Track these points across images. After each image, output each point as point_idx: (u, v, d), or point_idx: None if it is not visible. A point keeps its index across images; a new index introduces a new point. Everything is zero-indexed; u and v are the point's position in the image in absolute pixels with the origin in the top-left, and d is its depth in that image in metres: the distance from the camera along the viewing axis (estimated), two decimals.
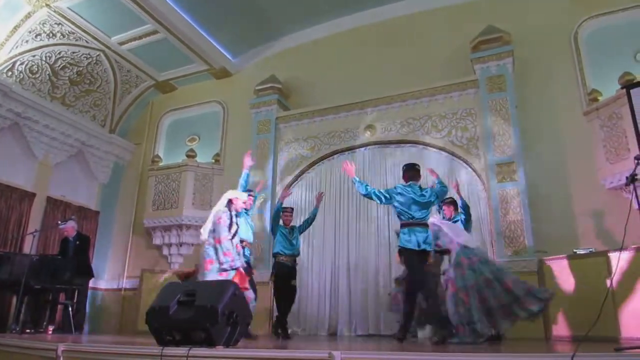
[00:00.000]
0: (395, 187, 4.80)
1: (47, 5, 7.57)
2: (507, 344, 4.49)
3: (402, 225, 4.63)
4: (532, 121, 6.85)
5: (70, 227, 7.22)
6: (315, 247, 7.45)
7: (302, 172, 7.96)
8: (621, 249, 4.45)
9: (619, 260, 4.64)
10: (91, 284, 7.70)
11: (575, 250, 5.60)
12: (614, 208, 5.99)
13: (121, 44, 8.76)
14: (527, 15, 7.44)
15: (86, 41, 8.49)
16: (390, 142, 7.47)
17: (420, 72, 7.73)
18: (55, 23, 7.95)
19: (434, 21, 8.08)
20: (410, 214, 4.58)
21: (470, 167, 6.83)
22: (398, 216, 4.72)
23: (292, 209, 6.51)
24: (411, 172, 4.83)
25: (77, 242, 7.19)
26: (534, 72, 7.09)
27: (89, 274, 7.25)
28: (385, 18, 8.52)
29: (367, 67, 8.29)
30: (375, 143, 7.57)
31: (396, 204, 4.66)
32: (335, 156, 7.83)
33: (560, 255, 5.60)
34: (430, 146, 7.14)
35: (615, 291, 4.68)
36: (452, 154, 6.98)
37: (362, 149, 7.65)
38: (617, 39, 6.68)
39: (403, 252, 4.55)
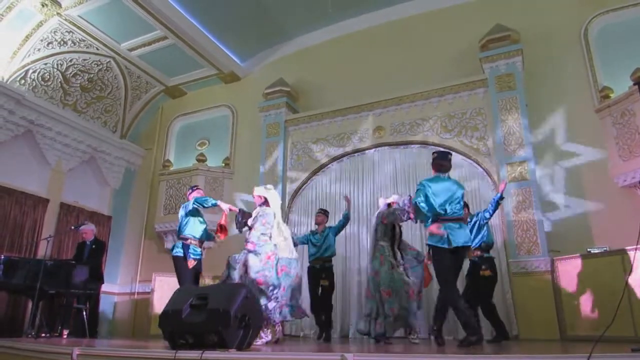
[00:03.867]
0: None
1: (58, 13, 7.69)
2: (522, 345, 4.45)
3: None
4: (543, 119, 6.80)
5: (89, 230, 7.28)
6: None
7: (312, 175, 7.97)
8: (636, 247, 4.38)
9: (635, 259, 4.58)
10: (104, 288, 7.77)
11: (589, 249, 5.54)
12: (627, 206, 5.92)
13: (131, 50, 8.87)
14: (535, 13, 7.38)
15: (97, 48, 8.60)
16: (399, 143, 7.45)
17: (429, 73, 7.70)
18: (66, 31, 8.07)
19: (441, 21, 8.05)
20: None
21: (481, 167, 6.78)
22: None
23: (321, 210, 6.41)
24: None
25: (93, 247, 7.26)
26: (544, 70, 7.03)
27: (99, 279, 7.31)
28: (391, 19, 8.51)
29: (375, 69, 8.28)
30: (385, 144, 7.55)
31: None
32: (344, 158, 7.83)
33: (574, 255, 5.54)
34: (440, 147, 7.09)
35: (631, 290, 4.61)
36: (463, 154, 6.94)
37: (372, 150, 7.64)
38: (629, 35, 6.60)
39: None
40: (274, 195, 5.04)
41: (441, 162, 4.33)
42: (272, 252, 4.69)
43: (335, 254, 6.11)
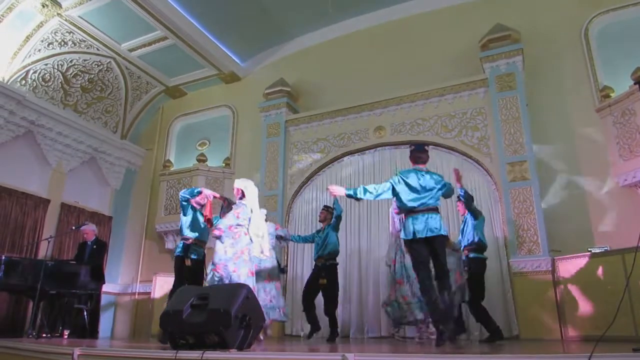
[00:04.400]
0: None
1: (58, 14, 7.69)
2: (523, 345, 4.44)
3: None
4: (544, 119, 6.79)
5: (90, 230, 7.30)
6: None
7: (313, 175, 7.97)
8: (637, 247, 4.38)
9: (635, 259, 4.57)
10: (105, 288, 7.77)
11: (589, 249, 5.53)
12: (628, 205, 5.93)
13: (131, 50, 8.86)
14: (536, 12, 7.38)
15: (97, 49, 8.60)
16: (400, 143, 7.45)
17: (429, 72, 7.70)
18: (67, 31, 8.07)
19: (442, 21, 8.05)
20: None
21: (482, 166, 6.78)
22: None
23: (324, 207, 6.34)
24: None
25: (94, 247, 7.27)
26: (544, 70, 7.03)
27: (100, 279, 7.32)
28: (392, 19, 8.51)
29: (376, 68, 8.28)
30: (385, 144, 7.55)
31: None
32: (345, 158, 7.83)
33: (575, 254, 5.54)
34: (441, 146, 7.11)
35: (631, 290, 4.60)
36: (463, 154, 6.94)
37: (372, 150, 7.64)
38: (629, 35, 6.59)
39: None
40: (252, 190, 4.85)
41: (419, 155, 4.36)
42: (246, 247, 4.57)
43: (336, 251, 5.99)
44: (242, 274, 4.46)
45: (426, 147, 4.46)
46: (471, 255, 5.14)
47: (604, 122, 6.34)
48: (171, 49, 8.81)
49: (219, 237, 4.49)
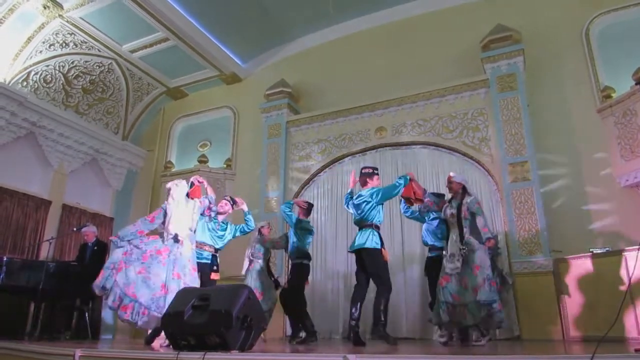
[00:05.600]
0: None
1: (59, 15, 7.71)
2: (524, 345, 4.44)
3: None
4: (545, 119, 6.79)
5: (91, 232, 7.30)
6: (327, 250, 7.45)
7: (314, 175, 7.97)
8: (639, 247, 4.37)
9: (637, 260, 4.56)
10: None
11: (591, 250, 5.52)
12: (630, 206, 5.92)
13: (132, 52, 8.88)
14: (537, 13, 7.38)
15: (98, 50, 8.62)
16: (401, 144, 7.45)
17: (430, 73, 7.70)
18: (68, 33, 8.09)
19: (443, 21, 8.05)
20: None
21: (483, 167, 6.78)
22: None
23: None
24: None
25: (95, 248, 7.27)
26: (545, 70, 7.03)
27: None
28: (393, 20, 8.51)
29: (377, 69, 8.28)
30: (386, 145, 7.55)
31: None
32: (346, 159, 7.83)
33: (576, 255, 5.53)
34: (442, 147, 7.11)
35: (633, 291, 4.60)
36: (464, 154, 6.93)
37: (373, 151, 7.63)
38: (630, 35, 6.59)
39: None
40: (175, 190, 4.79)
41: (360, 179, 4.81)
42: (165, 247, 4.48)
43: (295, 250, 5.62)
44: (155, 275, 4.33)
45: (365, 170, 4.84)
46: (428, 254, 5.23)
47: (605, 123, 6.33)
48: (172, 50, 8.82)
49: (115, 243, 4.54)
